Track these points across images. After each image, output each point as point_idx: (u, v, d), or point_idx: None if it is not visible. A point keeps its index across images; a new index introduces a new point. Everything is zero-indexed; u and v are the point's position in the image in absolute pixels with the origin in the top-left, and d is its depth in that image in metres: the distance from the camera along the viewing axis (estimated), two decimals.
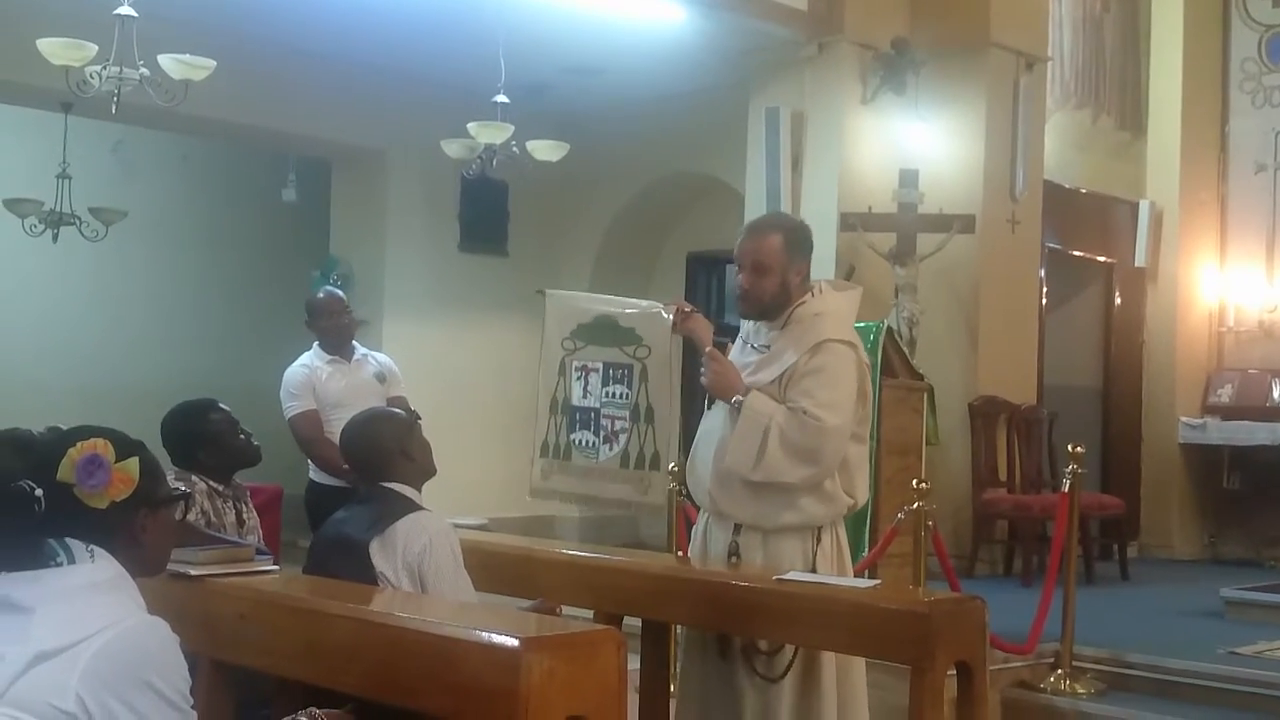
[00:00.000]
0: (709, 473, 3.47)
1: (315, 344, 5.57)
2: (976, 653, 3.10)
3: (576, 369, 3.70)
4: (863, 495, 3.50)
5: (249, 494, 3.92)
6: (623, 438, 3.61)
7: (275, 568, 3.24)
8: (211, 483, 3.73)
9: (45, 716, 1.74)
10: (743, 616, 3.26)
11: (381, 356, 5.74)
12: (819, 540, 3.42)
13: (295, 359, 5.55)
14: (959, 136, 7.95)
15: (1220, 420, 9.20)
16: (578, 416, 3.69)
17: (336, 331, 5.53)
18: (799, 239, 3.50)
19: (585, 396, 3.68)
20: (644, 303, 3.70)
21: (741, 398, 3.35)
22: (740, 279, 3.46)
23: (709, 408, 3.56)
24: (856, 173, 7.79)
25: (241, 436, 3.82)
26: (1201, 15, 9.56)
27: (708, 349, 3.46)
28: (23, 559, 1.85)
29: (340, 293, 5.82)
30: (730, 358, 3.53)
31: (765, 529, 3.42)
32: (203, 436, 3.74)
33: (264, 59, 8.05)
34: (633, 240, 10.25)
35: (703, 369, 3.44)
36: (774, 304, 3.44)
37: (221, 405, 3.82)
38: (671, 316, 3.54)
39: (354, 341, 5.61)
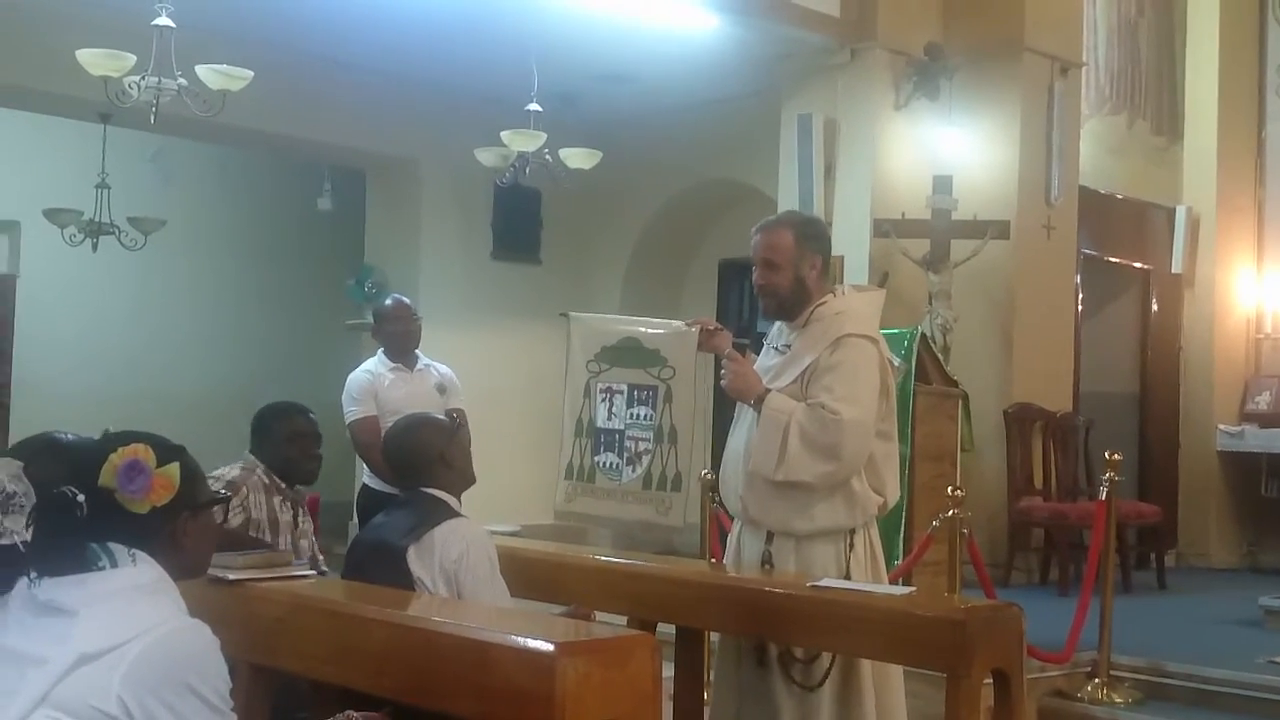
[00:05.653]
0: (740, 480, 3.46)
1: (380, 351, 5.62)
2: (1013, 661, 3.09)
3: (601, 391, 3.72)
4: (893, 494, 3.46)
5: (306, 500, 4.00)
6: (646, 459, 3.62)
7: (312, 573, 3.27)
8: (275, 478, 3.82)
9: (87, 718, 1.75)
10: (777, 623, 3.24)
11: (443, 368, 5.72)
12: (851, 545, 3.40)
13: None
14: (993, 142, 7.91)
15: (1258, 428, 9.09)
16: (602, 439, 3.71)
17: (403, 338, 5.57)
18: (810, 233, 3.49)
19: (610, 419, 3.70)
20: (670, 323, 3.72)
21: (762, 398, 3.35)
22: (755, 276, 3.48)
23: (738, 416, 3.56)
24: (890, 179, 7.76)
25: (314, 451, 3.93)
26: (1237, 19, 9.48)
27: (726, 351, 3.47)
28: (66, 563, 1.87)
29: (407, 300, 5.84)
30: (757, 363, 3.53)
31: (797, 535, 3.40)
32: (281, 436, 3.89)
33: (300, 70, 8.12)
34: (665, 248, 10.25)
35: (723, 372, 3.45)
36: (791, 299, 3.44)
37: (310, 415, 3.97)
38: (696, 332, 3.55)
39: (418, 351, 5.65)
